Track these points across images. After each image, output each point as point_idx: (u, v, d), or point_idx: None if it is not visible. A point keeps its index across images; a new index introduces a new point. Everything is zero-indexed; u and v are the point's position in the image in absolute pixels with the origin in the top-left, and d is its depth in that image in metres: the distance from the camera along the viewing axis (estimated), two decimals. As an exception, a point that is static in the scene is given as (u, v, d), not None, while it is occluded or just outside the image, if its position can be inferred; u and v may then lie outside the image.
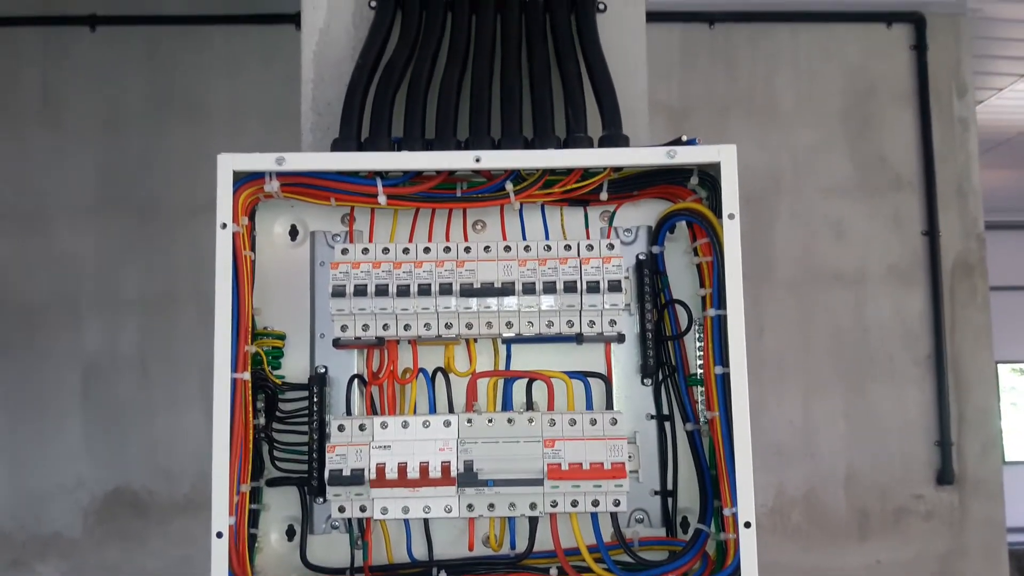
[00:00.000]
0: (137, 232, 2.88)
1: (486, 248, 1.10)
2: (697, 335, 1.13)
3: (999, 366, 3.31)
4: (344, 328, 1.09)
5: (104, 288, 2.87)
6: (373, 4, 1.24)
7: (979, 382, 2.96)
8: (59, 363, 2.84)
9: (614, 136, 1.14)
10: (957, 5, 3.08)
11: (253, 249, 1.12)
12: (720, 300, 1.05)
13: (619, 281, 1.08)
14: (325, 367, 1.14)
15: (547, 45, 1.20)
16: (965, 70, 3.10)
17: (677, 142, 1.07)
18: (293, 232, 1.18)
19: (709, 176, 1.12)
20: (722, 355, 1.05)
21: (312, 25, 1.25)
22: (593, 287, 1.07)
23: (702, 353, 1.11)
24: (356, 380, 1.13)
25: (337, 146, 1.15)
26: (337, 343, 1.10)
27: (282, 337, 1.15)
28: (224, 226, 1.05)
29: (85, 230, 2.89)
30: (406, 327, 1.08)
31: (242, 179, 1.08)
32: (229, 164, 1.07)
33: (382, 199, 1.09)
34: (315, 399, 1.12)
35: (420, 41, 1.20)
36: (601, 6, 1.24)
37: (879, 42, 3.10)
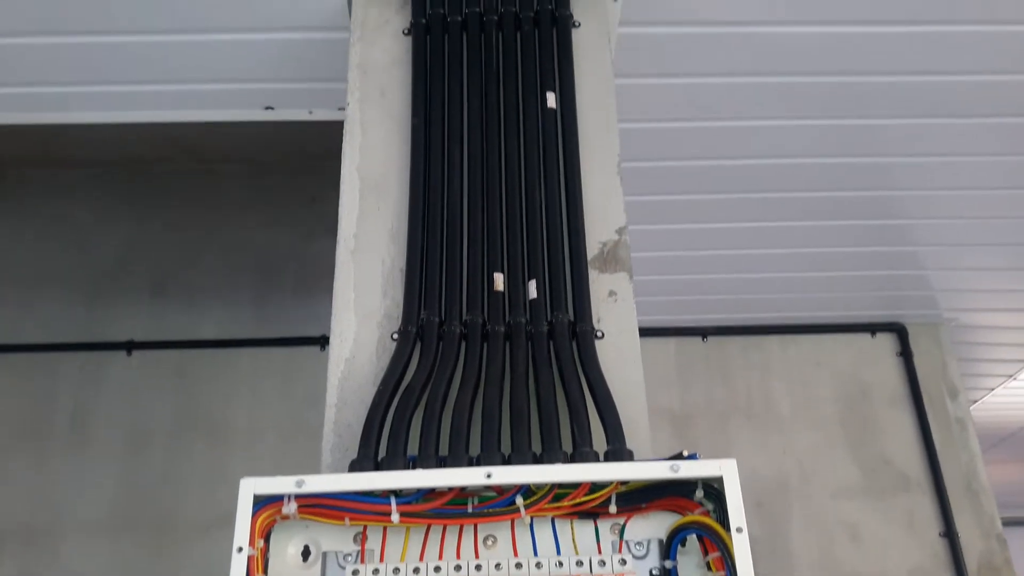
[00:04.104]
0: (147, 550, 2.83)
1: (497, 566, 1.10)
2: (719, 657, 1.08)
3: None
4: (350, 658, 1.05)
5: (106, 609, 2.76)
6: (395, 336, 1.37)
7: None
8: None
9: (618, 451, 1.19)
10: (933, 316, 3.30)
11: (266, 572, 1.12)
12: (739, 618, 1.03)
13: (634, 599, 1.06)
14: None
15: (552, 370, 1.30)
16: (952, 373, 3.24)
17: (679, 456, 1.12)
18: (306, 552, 1.18)
19: (714, 488, 1.14)
20: None
21: (339, 355, 1.36)
22: (608, 606, 1.05)
23: (727, 678, 1.06)
24: None
25: (355, 466, 1.19)
26: (342, 675, 1.06)
27: (285, 668, 1.10)
28: (240, 550, 1.05)
29: (95, 548, 2.84)
30: (415, 655, 1.05)
31: (261, 501, 1.10)
32: (251, 488, 1.09)
33: (395, 517, 1.11)
34: None
35: (436, 367, 1.31)
36: (599, 334, 1.36)
37: (866, 350, 3.28)
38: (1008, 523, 3.18)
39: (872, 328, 3.29)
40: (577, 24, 1.70)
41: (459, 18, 1.69)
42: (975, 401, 4.08)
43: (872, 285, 3.11)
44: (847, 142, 2.35)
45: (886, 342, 3.28)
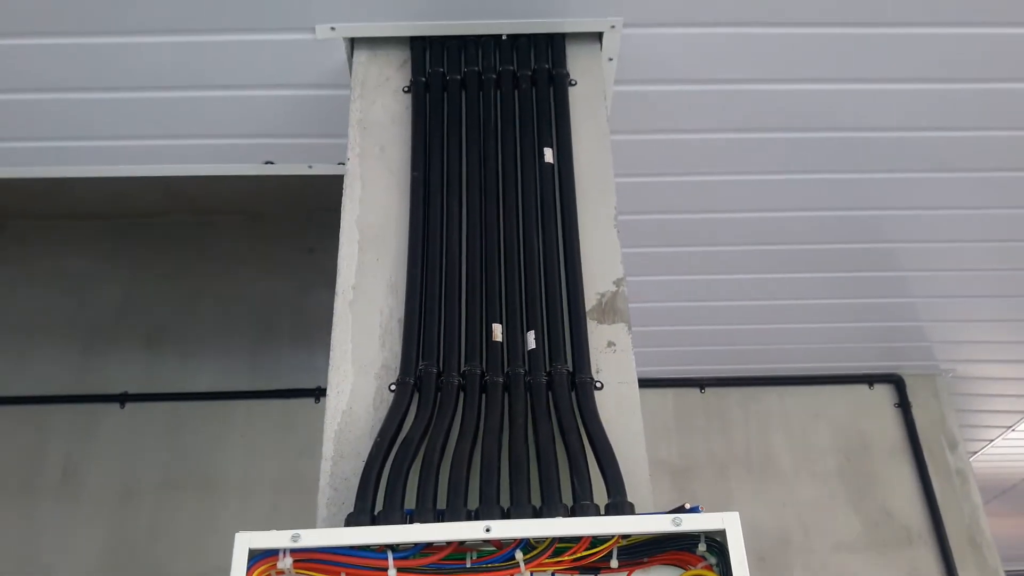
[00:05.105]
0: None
1: (497, 623, 1.08)
2: None
3: None
4: None
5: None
6: (392, 387, 1.36)
7: None
8: None
9: (619, 504, 1.18)
10: (931, 367, 3.30)
11: (261, 629, 1.09)
12: None
13: (636, 658, 1.04)
14: None
15: (551, 421, 1.30)
16: (951, 424, 3.23)
17: (681, 509, 1.11)
18: (301, 609, 1.16)
19: (716, 542, 1.13)
20: None
21: (335, 408, 1.36)
22: (609, 665, 1.03)
23: None
24: None
25: (351, 520, 1.18)
26: None
27: None
28: (235, 606, 1.04)
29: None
30: None
31: (256, 556, 1.09)
32: (246, 543, 1.08)
33: (392, 572, 1.09)
34: None
35: (434, 419, 1.30)
36: (598, 384, 1.36)
37: (864, 401, 3.27)
38: (1014, 576, 3.14)
39: (870, 379, 3.29)
40: (574, 82, 1.74)
41: (458, 77, 1.73)
42: (973, 453, 4.06)
43: (869, 337, 3.12)
44: (843, 196, 2.39)
45: (884, 393, 3.28)
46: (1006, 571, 2.99)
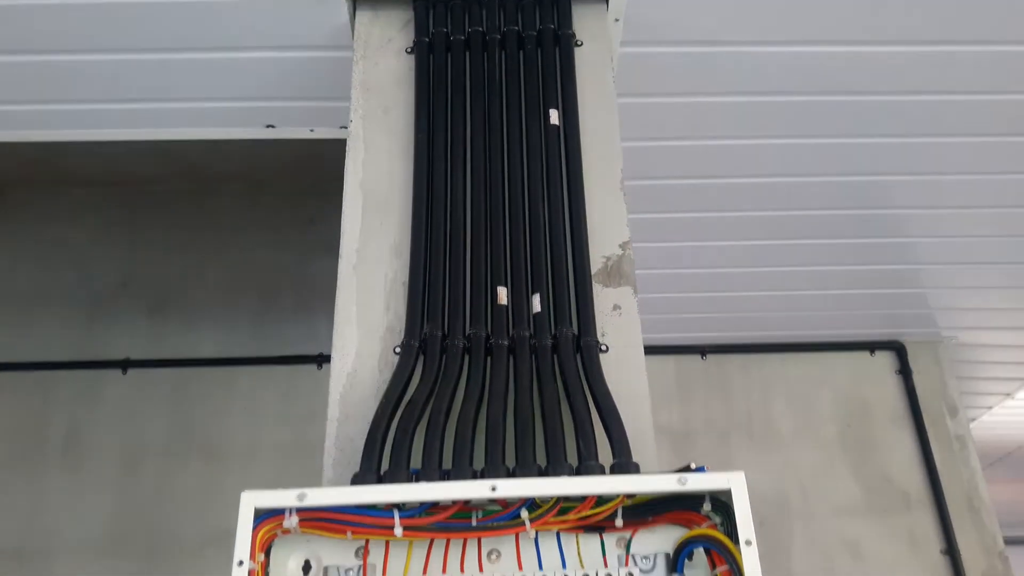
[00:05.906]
0: (141, 571, 2.80)
1: (502, 580, 1.09)
2: (727, 673, 1.07)
3: None
4: (354, 674, 1.03)
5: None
6: (397, 350, 1.36)
7: None
8: None
9: (625, 464, 1.18)
10: (932, 334, 3.31)
11: (267, 586, 1.10)
12: (747, 633, 1.02)
13: (641, 614, 1.05)
14: None
15: (556, 383, 1.30)
16: (952, 391, 3.24)
17: (686, 469, 1.11)
18: (307, 567, 1.17)
19: (721, 502, 1.13)
20: None
21: (340, 370, 1.36)
22: (614, 621, 1.04)
23: None
24: None
25: (357, 480, 1.18)
26: None
27: None
28: (240, 563, 1.04)
29: (88, 569, 2.82)
30: (420, 671, 1.03)
31: (262, 515, 1.09)
32: (251, 501, 1.08)
33: (398, 531, 1.10)
34: None
35: (440, 380, 1.30)
36: (604, 347, 1.36)
37: (865, 368, 3.28)
38: (1010, 542, 3.16)
39: (871, 346, 3.29)
40: (579, 43, 1.71)
41: (462, 37, 1.71)
42: (973, 420, 4.08)
43: (871, 303, 3.12)
44: (846, 160, 2.37)
45: (885, 360, 3.29)
46: (1005, 537, 3.02)
